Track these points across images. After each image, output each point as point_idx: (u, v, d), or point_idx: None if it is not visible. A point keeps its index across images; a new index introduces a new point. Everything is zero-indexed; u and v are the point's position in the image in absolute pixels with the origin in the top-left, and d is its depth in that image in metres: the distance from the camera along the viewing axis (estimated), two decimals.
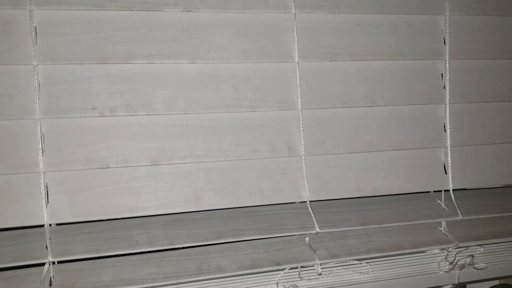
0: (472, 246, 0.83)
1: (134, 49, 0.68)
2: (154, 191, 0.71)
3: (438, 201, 0.83)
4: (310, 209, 0.76)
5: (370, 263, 0.79)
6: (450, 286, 0.84)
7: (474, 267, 0.83)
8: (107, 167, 0.69)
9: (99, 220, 0.71)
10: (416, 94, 0.79)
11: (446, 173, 0.82)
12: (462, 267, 0.82)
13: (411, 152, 0.80)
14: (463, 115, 0.82)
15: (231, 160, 0.73)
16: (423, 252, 0.82)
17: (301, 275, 0.76)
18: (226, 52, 0.71)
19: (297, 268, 0.76)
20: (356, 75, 0.77)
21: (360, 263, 0.78)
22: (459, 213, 0.81)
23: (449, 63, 0.80)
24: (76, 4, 0.66)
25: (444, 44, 0.80)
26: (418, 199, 0.83)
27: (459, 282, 0.84)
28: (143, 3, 0.68)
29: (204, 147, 0.72)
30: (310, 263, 0.74)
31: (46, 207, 0.67)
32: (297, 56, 0.74)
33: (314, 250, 0.75)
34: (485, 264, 0.84)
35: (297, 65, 0.74)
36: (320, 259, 0.74)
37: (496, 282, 0.92)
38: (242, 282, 0.74)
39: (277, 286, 0.75)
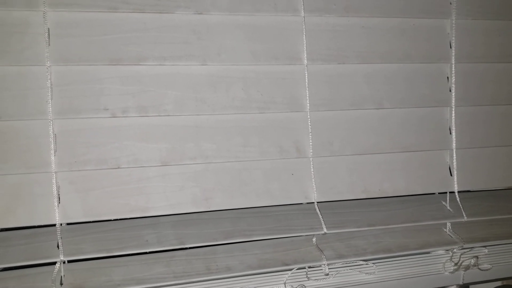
0: (476, 247, 0.84)
1: (145, 50, 0.69)
2: (164, 191, 0.71)
3: (443, 203, 0.84)
4: (317, 210, 0.77)
5: (377, 264, 0.79)
6: (455, 286, 0.85)
7: (479, 268, 0.84)
8: (118, 167, 0.69)
9: (110, 219, 0.72)
10: (422, 96, 0.80)
11: (451, 175, 0.83)
12: (467, 268, 0.83)
13: (417, 154, 0.81)
14: (469, 117, 0.83)
15: (240, 161, 0.74)
16: (429, 253, 0.83)
17: (308, 275, 0.76)
18: (236, 54, 0.72)
19: (304, 268, 0.76)
20: (363, 77, 0.78)
21: (367, 264, 0.79)
22: (464, 215, 0.82)
23: (455, 66, 0.81)
24: (89, 6, 0.67)
25: (450, 47, 0.81)
26: (424, 201, 0.84)
27: (464, 282, 0.84)
28: (155, 5, 0.69)
29: (214, 148, 0.73)
30: (317, 264, 0.75)
31: (58, 206, 0.67)
32: (305, 58, 0.75)
33: (322, 251, 0.76)
34: (489, 265, 0.85)
35: (305, 67, 0.75)
36: (327, 259, 0.75)
37: (499, 283, 0.93)
38: (250, 282, 0.75)
39: (285, 286, 0.75)
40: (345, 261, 0.77)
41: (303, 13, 0.74)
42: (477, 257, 0.83)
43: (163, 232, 0.72)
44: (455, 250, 0.82)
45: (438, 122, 0.82)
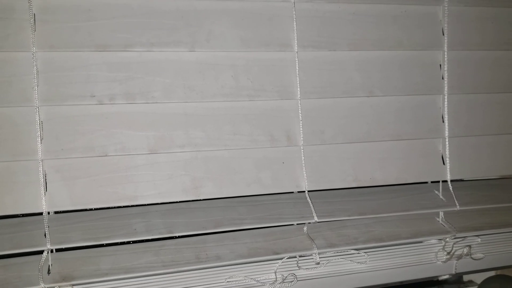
0: (469, 236, 0.84)
1: (133, 37, 0.68)
2: (153, 179, 0.70)
3: (436, 192, 0.83)
4: (308, 199, 0.76)
5: (368, 253, 0.79)
6: (447, 276, 0.84)
7: (471, 257, 0.84)
8: (106, 155, 0.68)
9: (98, 208, 0.71)
10: (414, 84, 0.80)
11: (444, 163, 0.82)
12: (459, 257, 0.83)
13: (409, 142, 0.80)
14: (461, 106, 0.82)
15: (229, 149, 0.73)
16: (421, 242, 0.82)
17: (299, 264, 0.76)
18: (225, 41, 0.71)
19: (295, 257, 0.76)
20: (354, 65, 0.77)
21: (358, 253, 0.78)
22: (457, 204, 0.81)
23: (448, 54, 0.81)
24: None
25: (443, 34, 0.80)
26: (416, 190, 0.83)
27: (456, 272, 0.84)
28: None
29: (203, 136, 0.72)
30: (308, 253, 0.74)
31: (45, 195, 0.67)
32: (296, 45, 0.74)
33: (312, 240, 0.75)
34: (482, 255, 0.84)
35: (296, 54, 0.74)
36: (318, 248, 0.74)
37: (492, 273, 0.93)
38: (241, 271, 0.74)
39: (275, 275, 0.75)
40: (336, 250, 0.77)
41: None
42: (469, 246, 0.83)
43: (152, 221, 0.71)
44: (447, 239, 0.82)
45: (430, 110, 0.81)
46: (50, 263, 0.68)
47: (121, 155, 0.69)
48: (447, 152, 0.82)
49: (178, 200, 0.72)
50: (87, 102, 0.67)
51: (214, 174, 0.73)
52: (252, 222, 0.73)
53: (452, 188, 0.82)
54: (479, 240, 0.84)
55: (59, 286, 0.66)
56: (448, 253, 0.82)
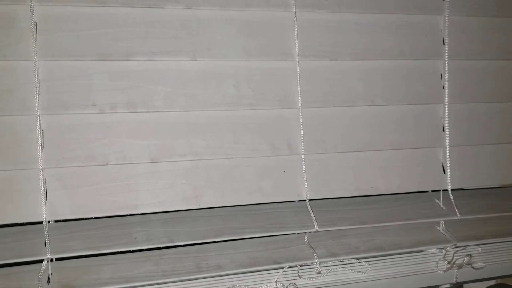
0: (470, 245, 0.83)
1: (134, 46, 0.68)
2: (154, 188, 0.70)
3: (437, 201, 0.83)
4: (309, 208, 0.76)
5: (369, 262, 0.79)
6: (448, 285, 0.84)
7: (472, 267, 0.83)
8: (107, 164, 0.68)
9: (98, 217, 0.71)
10: (415, 93, 0.80)
11: (444, 172, 0.82)
12: (460, 266, 0.82)
13: (410, 151, 0.81)
14: (462, 115, 0.82)
15: (231, 158, 0.73)
16: (422, 251, 0.82)
17: (300, 274, 0.76)
18: (226, 50, 0.71)
19: (296, 266, 0.76)
20: (356, 74, 0.77)
21: (359, 262, 0.78)
22: (457, 213, 0.81)
23: (448, 63, 0.81)
24: (77, 0, 0.66)
25: (443, 44, 0.81)
26: (417, 199, 0.83)
27: (457, 281, 0.84)
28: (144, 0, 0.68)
29: (204, 145, 0.72)
30: (309, 262, 0.74)
31: (45, 203, 0.66)
32: (297, 54, 0.74)
33: (313, 249, 0.75)
34: (483, 264, 0.84)
35: (297, 63, 0.74)
36: (319, 257, 0.74)
37: (493, 282, 0.93)
38: (241, 280, 0.74)
39: (276, 285, 0.75)
40: (337, 260, 0.76)
41: (294, 8, 0.73)
42: (470, 255, 0.83)
43: (153, 230, 0.71)
44: (448, 248, 0.82)
45: (431, 119, 0.81)
46: (50, 272, 0.67)
47: (122, 164, 0.69)
48: (447, 161, 0.82)
49: (179, 209, 0.72)
50: (88, 111, 0.67)
51: (215, 183, 0.73)
52: (253, 231, 0.73)
53: (453, 197, 0.82)
54: (479, 249, 0.84)
55: None
56: (449, 262, 0.82)
